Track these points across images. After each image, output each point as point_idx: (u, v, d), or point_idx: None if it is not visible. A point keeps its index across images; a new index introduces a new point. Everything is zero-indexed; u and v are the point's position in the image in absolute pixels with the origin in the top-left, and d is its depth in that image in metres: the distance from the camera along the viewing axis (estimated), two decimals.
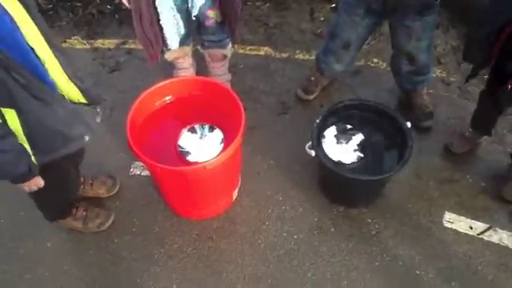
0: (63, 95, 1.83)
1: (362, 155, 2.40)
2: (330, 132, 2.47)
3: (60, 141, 1.88)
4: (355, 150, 2.41)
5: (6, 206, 2.70)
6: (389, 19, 2.59)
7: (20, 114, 1.67)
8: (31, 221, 2.63)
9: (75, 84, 1.83)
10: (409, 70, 2.74)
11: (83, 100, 1.92)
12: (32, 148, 1.80)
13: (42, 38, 1.63)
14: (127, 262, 2.50)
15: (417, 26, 2.47)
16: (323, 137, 2.44)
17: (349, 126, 2.48)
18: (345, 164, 2.38)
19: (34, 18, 1.59)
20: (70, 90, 1.83)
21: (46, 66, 1.69)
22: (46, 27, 1.68)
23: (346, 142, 2.43)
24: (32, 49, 1.61)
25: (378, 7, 2.43)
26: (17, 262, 2.52)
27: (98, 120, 2.05)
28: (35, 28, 1.60)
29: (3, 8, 1.48)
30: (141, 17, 2.44)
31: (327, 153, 2.39)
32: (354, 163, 2.38)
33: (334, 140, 2.44)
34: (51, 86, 1.75)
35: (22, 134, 1.73)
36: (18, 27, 1.53)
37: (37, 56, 1.64)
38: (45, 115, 1.75)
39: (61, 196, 2.38)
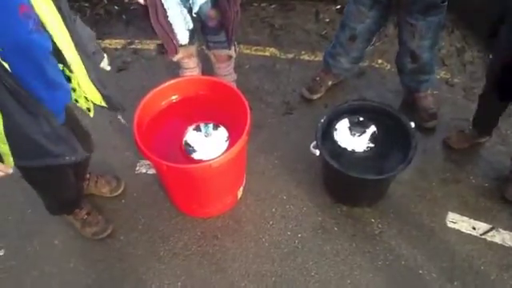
0: (77, 100, 1.87)
1: (373, 145, 2.42)
2: (343, 124, 2.49)
3: (39, 152, 1.87)
4: (368, 140, 2.44)
5: (14, 203, 2.74)
6: (395, 14, 2.63)
7: (4, 117, 1.66)
8: (38, 218, 2.66)
9: (97, 89, 1.87)
10: (412, 68, 2.77)
11: (104, 104, 1.96)
12: (12, 150, 1.80)
13: (69, 39, 1.65)
14: (133, 259, 2.52)
15: (421, 25, 2.50)
16: (335, 129, 2.46)
17: (361, 118, 2.50)
18: (357, 152, 2.40)
19: (64, 19, 1.61)
20: (92, 93, 1.87)
21: (72, 67, 1.72)
22: (74, 28, 1.70)
23: (360, 135, 2.45)
24: (59, 50, 1.63)
25: None
26: (24, 258, 2.55)
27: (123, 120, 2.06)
28: (64, 29, 1.62)
29: (30, 10, 1.47)
30: (156, 11, 2.46)
31: (340, 142, 2.41)
32: (365, 151, 2.40)
33: (348, 132, 2.46)
34: (63, 88, 1.77)
35: (3, 136, 1.73)
36: (42, 27, 1.54)
37: (61, 57, 1.67)
38: (28, 125, 1.74)
39: (57, 197, 2.40)
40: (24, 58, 1.55)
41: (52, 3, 1.55)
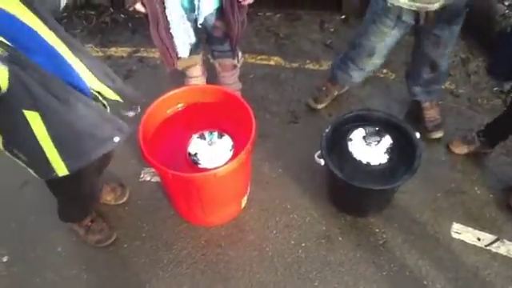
0: (98, 95, 1.86)
1: (389, 157, 2.39)
2: (358, 134, 2.47)
3: (89, 143, 1.84)
4: (384, 152, 2.41)
5: (17, 210, 2.74)
6: (418, 29, 2.54)
7: (44, 116, 1.67)
8: (42, 225, 2.67)
9: (106, 85, 1.85)
10: (428, 78, 2.75)
11: (119, 99, 1.94)
12: (61, 154, 1.80)
13: (64, 46, 1.67)
14: (136, 267, 2.52)
15: (445, 35, 2.48)
16: (350, 140, 2.44)
17: (376, 128, 2.48)
18: (373, 166, 2.38)
19: (52, 28, 1.64)
20: (103, 90, 1.86)
21: (76, 69, 1.73)
22: (65, 34, 1.71)
23: (377, 144, 2.42)
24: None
25: (408, 19, 2.41)
26: (27, 265, 2.55)
27: (131, 114, 2.07)
28: (55, 37, 1.65)
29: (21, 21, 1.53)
30: (158, 23, 2.46)
31: (355, 155, 2.39)
32: (381, 164, 2.38)
33: (363, 142, 2.44)
34: (84, 88, 1.78)
35: (49, 141, 1.73)
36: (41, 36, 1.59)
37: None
38: (69, 116, 1.73)
39: (80, 204, 2.42)
40: (47, 58, 1.61)
41: (36, 17, 1.58)
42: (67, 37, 1.72)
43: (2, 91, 1.52)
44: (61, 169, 1.85)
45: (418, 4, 2.30)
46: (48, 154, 1.78)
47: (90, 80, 1.80)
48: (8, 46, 1.49)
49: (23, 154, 1.83)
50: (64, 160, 1.82)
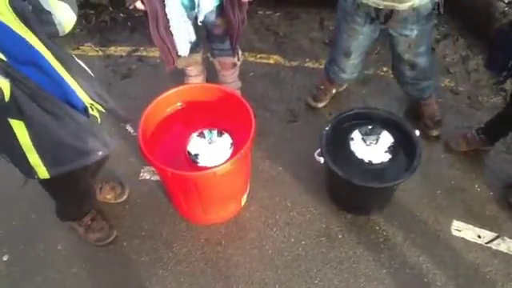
0: (89, 107, 1.87)
1: (391, 156, 2.39)
2: (358, 135, 2.47)
3: (71, 154, 1.88)
4: (386, 151, 2.41)
5: (18, 208, 2.74)
6: (388, 27, 2.51)
7: (29, 125, 1.69)
8: (42, 224, 2.67)
9: (99, 104, 1.88)
10: (412, 76, 2.74)
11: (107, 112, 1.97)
12: (42, 159, 1.82)
13: (57, 63, 1.67)
14: (136, 266, 2.52)
15: (415, 35, 2.46)
16: (351, 139, 2.45)
17: (370, 126, 2.48)
18: (375, 164, 2.38)
19: (45, 44, 1.63)
20: (95, 105, 1.88)
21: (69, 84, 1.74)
22: (60, 52, 1.71)
23: (376, 143, 2.43)
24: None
25: (375, 15, 2.42)
26: (27, 263, 2.55)
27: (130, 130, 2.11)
28: (49, 53, 1.65)
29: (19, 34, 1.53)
30: (157, 21, 2.46)
31: (357, 154, 2.40)
32: (383, 163, 2.38)
33: (363, 142, 2.44)
34: (76, 101, 1.79)
35: (30, 145, 1.75)
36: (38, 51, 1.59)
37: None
38: (54, 128, 1.76)
39: (77, 204, 2.43)
40: (39, 71, 1.62)
41: (30, 31, 1.57)
42: (63, 53, 1.73)
43: (3, 102, 1.55)
44: (42, 172, 1.87)
45: (385, 3, 2.30)
46: (30, 159, 1.81)
47: (83, 96, 1.82)
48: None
49: (6, 154, 1.87)
50: (45, 165, 1.84)
